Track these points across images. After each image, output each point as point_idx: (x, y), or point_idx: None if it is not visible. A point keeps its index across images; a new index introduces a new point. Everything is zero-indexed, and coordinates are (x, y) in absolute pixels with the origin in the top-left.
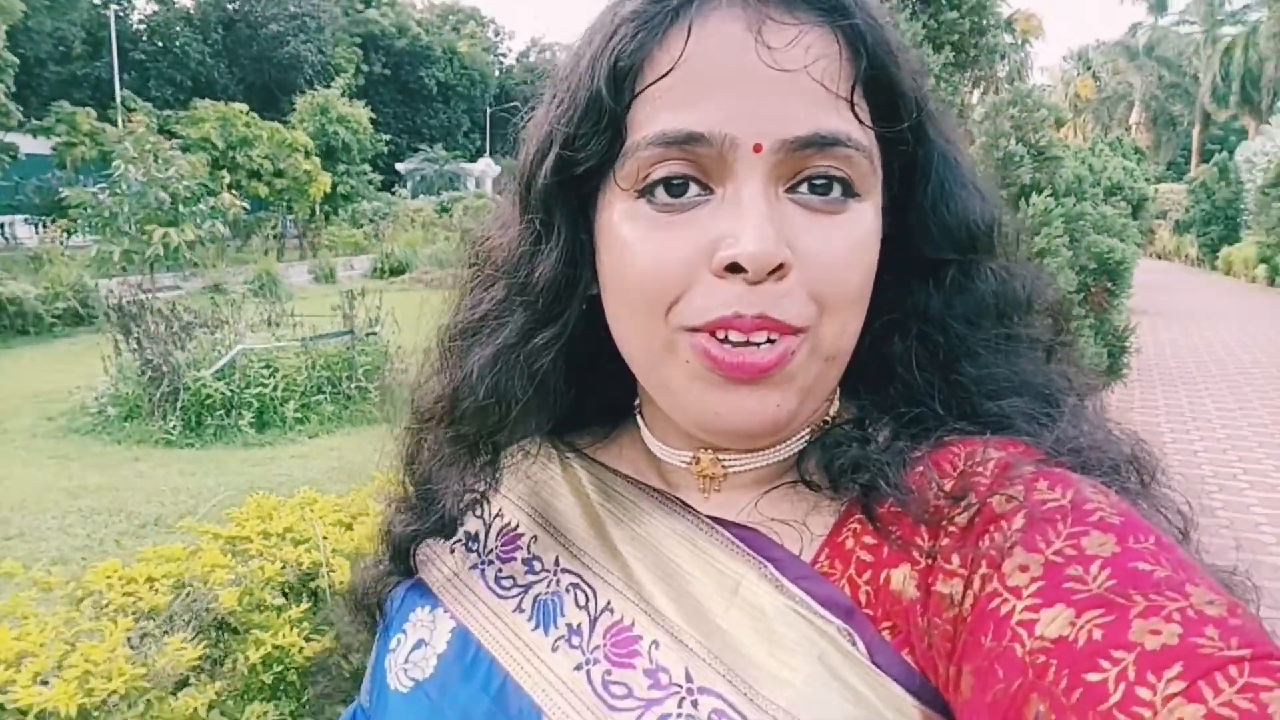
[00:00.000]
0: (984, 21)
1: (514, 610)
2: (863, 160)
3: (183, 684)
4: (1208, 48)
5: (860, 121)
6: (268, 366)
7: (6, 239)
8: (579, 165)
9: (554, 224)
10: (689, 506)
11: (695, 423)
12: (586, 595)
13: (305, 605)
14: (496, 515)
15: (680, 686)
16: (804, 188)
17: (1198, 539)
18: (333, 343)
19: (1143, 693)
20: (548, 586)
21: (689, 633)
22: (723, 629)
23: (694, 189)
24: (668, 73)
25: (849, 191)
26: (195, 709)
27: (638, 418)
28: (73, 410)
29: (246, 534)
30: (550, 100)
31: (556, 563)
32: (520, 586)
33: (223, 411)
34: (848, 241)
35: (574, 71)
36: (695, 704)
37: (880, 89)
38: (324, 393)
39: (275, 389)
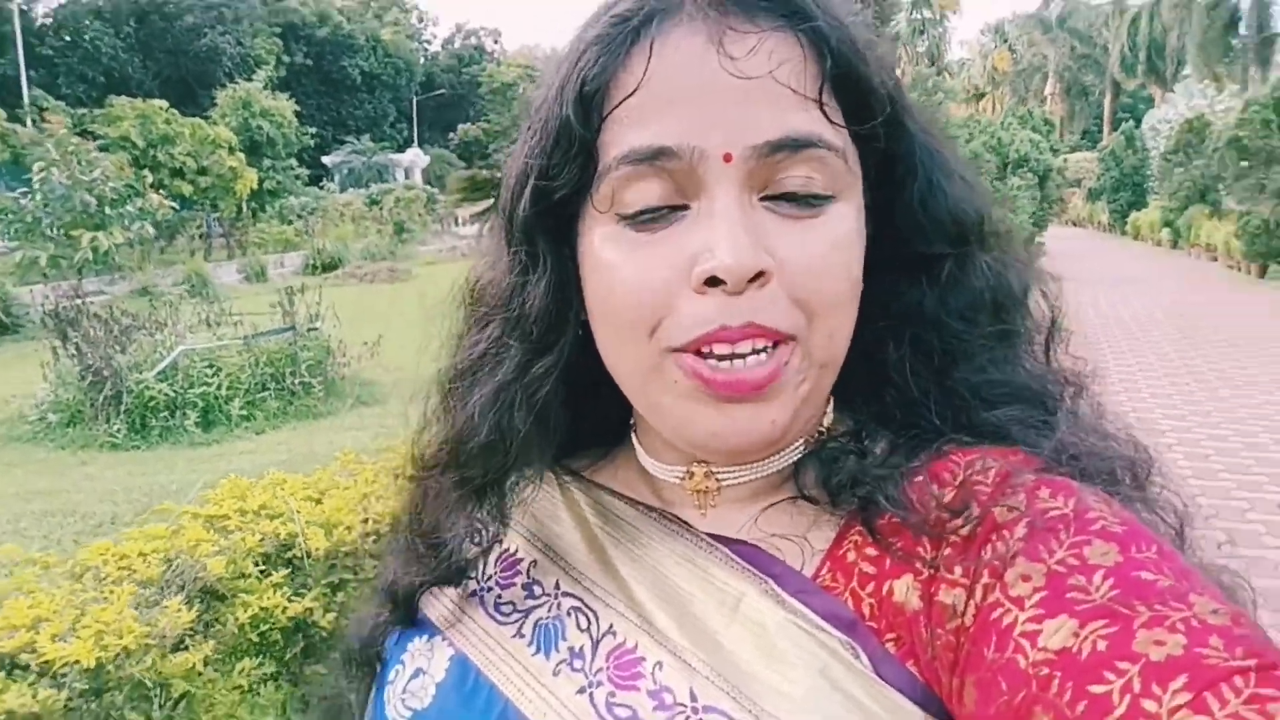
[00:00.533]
0: (885, 13)
1: (514, 635)
2: (837, 160)
3: (179, 645)
4: (1116, 18)
5: (831, 122)
6: (210, 366)
7: None
8: (555, 193)
9: (539, 254)
10: (687, 525)
11: (691, 442)
12: (588, 618)
13: (285, 572)
14: (494, 541)
15: (685, 706)
16: (779, 197)
17: (1191, 535)
18: (274, 340)
19: (1148, 705)
20: (549, 610)
21: (692, 652)
22: (725, 646)
23: (667, 208)
24: (633, 93)
25: (823, 196)
26: (193, 664)
27: (633, 436)
28: (11, 419)
29: (224, 512)
30: (525, 131)
31: (557, 586)
32: (520, 612)
33: (167, 413)
34: (829, 245)
35: (544, 101)
36: None
37: (849, 88)
38: (268, 389)
39: (219, 388)
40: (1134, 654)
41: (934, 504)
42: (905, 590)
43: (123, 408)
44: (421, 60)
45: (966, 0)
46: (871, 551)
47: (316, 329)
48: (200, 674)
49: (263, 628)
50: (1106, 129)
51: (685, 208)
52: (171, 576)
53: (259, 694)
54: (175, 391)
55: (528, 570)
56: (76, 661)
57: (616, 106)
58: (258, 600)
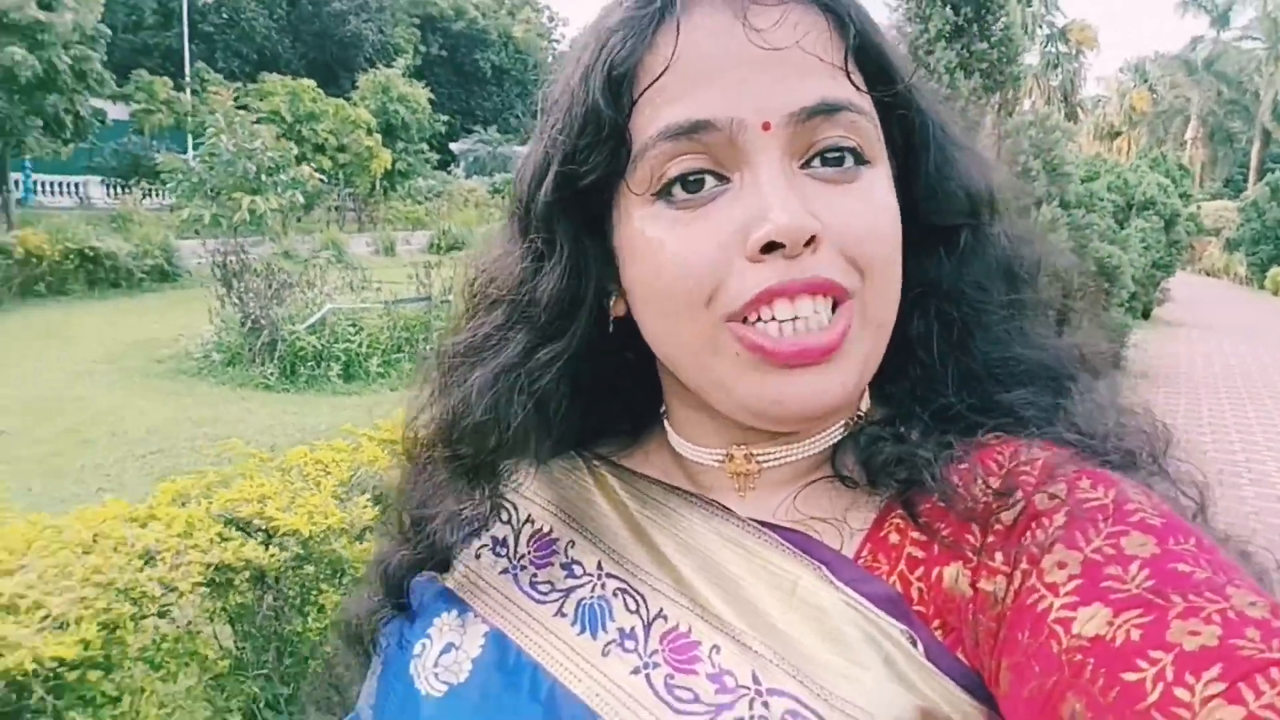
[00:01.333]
0: (1011, 52)
1: (555, 615)
2: (868, 125)
3: (360, 536)
4: (1270, 65)
5: (858, 88)
6: (354, 325)
7: (80, 199)
8: (582, 179)
9: (556, 241)
10: (728, 509)
11: (755, 413)
12: (636, 601)
13: None
14: (526, 521)
15: (748, 689)
16: (817, 162)
17: (1212, 510)
18: (412, 307)
19: (1181, 693)
20: (592, 591)
21: (751, 635)
22: (782, 630)
23: (710, 181)
24: (662, 73)
25: (860, 159)
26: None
27: (664, 423)
28: (178, 355)
29: (395, 437)
30: (544, 123)
31: (599, 567)
32: (560, 591)
33: (314, 362)
34: (870, 206)
35: (566, 90)
36: (766, 705)
37: (870, 57)
38: (403, 351)
39: (361, 345)
40: (1168, 643)
41: (982, 489)
42: (955, 577)
43: (276, 354)
44: (549, 58)
45: (1105, 39)
46: (918, 535)
47: (449, 301)
48: None
49: None
50: (1252, 178)
51: (726, 180)
52: (356, 481)
53: None
54: (322, 344)
55: (565, 549)
56: (296, 530)
57: (647, 88)
58: None
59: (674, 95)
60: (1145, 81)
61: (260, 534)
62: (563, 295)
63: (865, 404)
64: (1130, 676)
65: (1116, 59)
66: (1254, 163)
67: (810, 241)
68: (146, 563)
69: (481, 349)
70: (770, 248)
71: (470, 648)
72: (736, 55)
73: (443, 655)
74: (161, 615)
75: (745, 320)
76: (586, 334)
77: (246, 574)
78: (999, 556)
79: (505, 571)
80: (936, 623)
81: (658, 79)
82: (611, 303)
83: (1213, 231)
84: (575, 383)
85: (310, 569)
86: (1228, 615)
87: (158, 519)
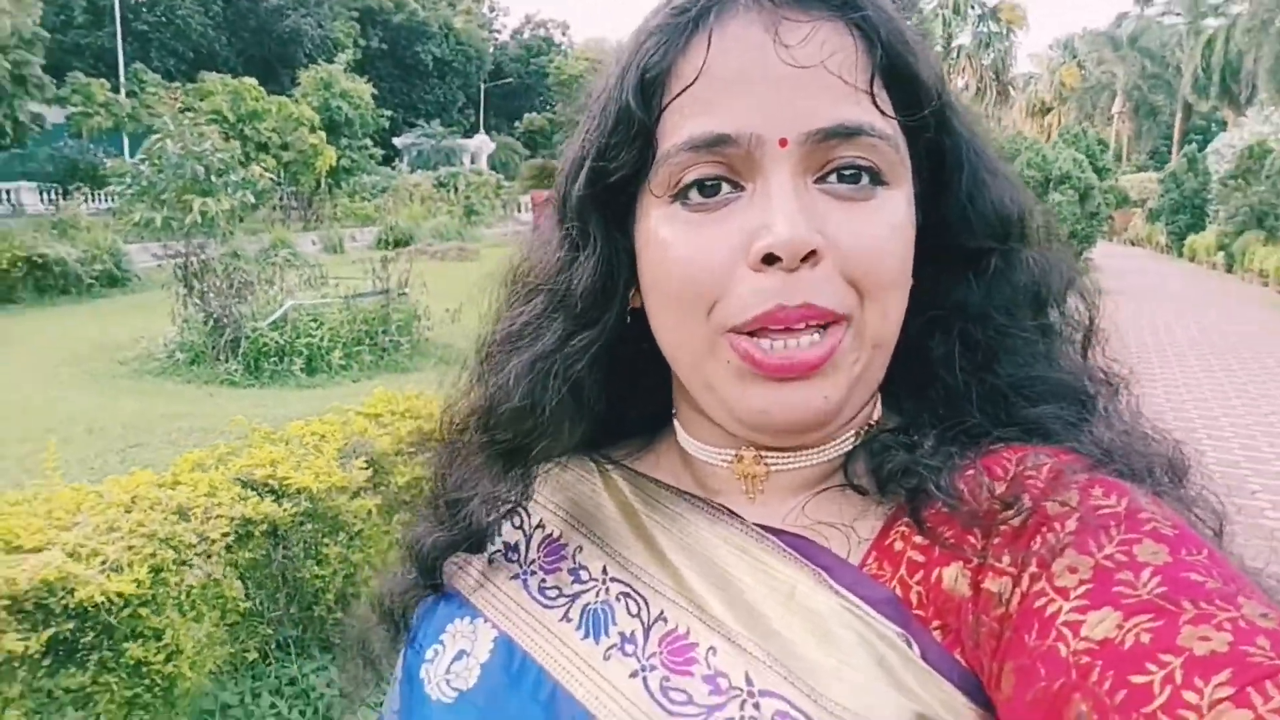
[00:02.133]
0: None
1: (560, 619)
2: (888, 149)
3: (356, 494)
4: (1190, 39)
5: (882, 112)
6: (314, 320)
7: (13, 205)
8: (611, 175)
9: (590, 233)
10: (735, 514)
11: (742, 421)
12: (638, 604)
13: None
14: (537, 526)
15: (740, 690)
16: (833, 178)
17: (1230, 531)
18: (370, 301)
19: (1189, 696)
20: (596, 595)
21: (746, 637)
22: (780, 633)
23: (726, 188)
24: (693, 82)
25: (877, 179)
26: (369, 510)
27: (675, 423)
28: (141, 357)
29: (380, 411)
30: (585, 116)
31: (605, 572)
32: (566, 596)
33: (276, 358)
34: (880, 226)
35: (605, 88)
36: (757, 706)
37: (899, 79)
38: (363, 344)
39: (322, 339)
40: (1178, 648)
41: (986, 495)
42: (954, 577)
43: (240, 351)
44: (491, 49)
45: (1036, 16)
46: (920, 540)
47: (406, 294)
48: (370, 517)
49: (414, 490)
50: (1175, 150)
51: (741, 188)
52: (349, 449)
53: None
54: (285, 340)
55: (573, 555)
56: (305, 488)
57: (677, 96)
58: (410, 470)
59: (700, 106)
60: (1074, 58)
61: (271, 495)
62: (596, 285)
63: (877, 413)
64: (1138, 679)
65: (1048, 36)
66: (1176, 135)
67: (810, 256)
68: (181, 518)
69: (519, 336)
70: (771, 259)
71: (480, 653)
72: (763, 70)
73: (454, 663)
74: (190, 566)
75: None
76: (616, 324)
77: (263, 527)
78: (1005, 558)
79: (516, 577)
80: (936, 624)
81: (688, 87)
82: (631, 294)
83: (1138, 203)
84: (606, 371)
85: (313, 526)
86: (1239, 624)
87: (183, 483)
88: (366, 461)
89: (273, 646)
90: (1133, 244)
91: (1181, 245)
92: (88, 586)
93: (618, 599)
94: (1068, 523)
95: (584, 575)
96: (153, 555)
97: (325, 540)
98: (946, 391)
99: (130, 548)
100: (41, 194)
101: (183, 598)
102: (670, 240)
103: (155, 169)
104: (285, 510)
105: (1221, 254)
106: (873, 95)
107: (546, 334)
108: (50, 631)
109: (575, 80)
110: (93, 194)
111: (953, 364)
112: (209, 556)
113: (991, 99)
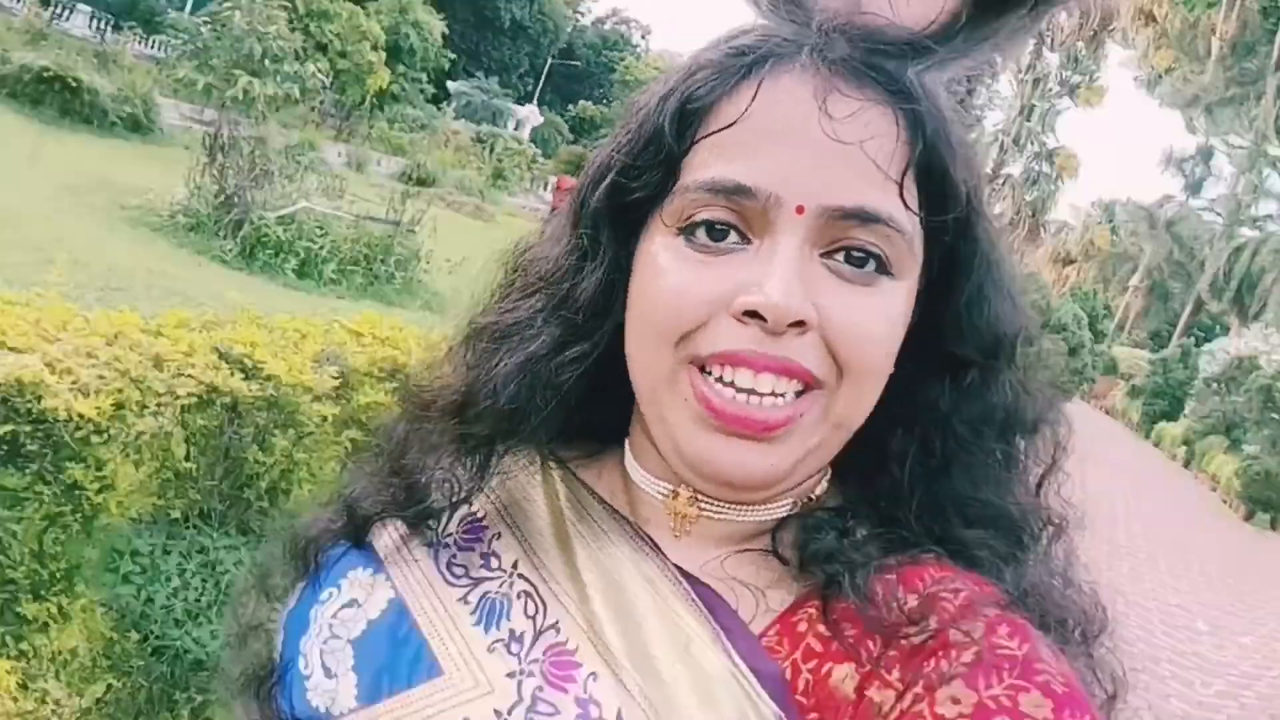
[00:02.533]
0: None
1: (459, 600)
2: (902, 242)
3: (319, 399)
4: (1222, 241)
5: (906, 205)
6: (320, 228)
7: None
8: (631, 194)
9: (600, 244)
10: (658, 548)
11: (687, 462)
12: (537, 607)
13: (393, 385)
14: (464, 501)
15: None
16: (840, 255)
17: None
18: (379, 227)
19: None
20: (499, 586)
21: (630, 674)
22: (664, 680)
23: (734, 236)
24: (730, 125)
25: (884, 269)
26: (326, 417)
27: (626, 444)
28: (144, 209)
29: (363, 331)
30: (620, 128)
31: (515, 566)
32: (471, 579)
33: (273, 251)
34: (875, 314)
35: (645, 107)
36: None
37: (932, 177)
38: (359, 266)
39: (322, 249)
40: None
41: (895, 607)
42: (844, 677)
43: (241, 234)
44: (570, 28)
45: (1088, 172)
46: (823, 630)
47: (414, 232)
48: (324, 424)
49: (371, 413)
50: (1175, 337)
51: (748, 241)
52: (325, 355)
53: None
54: (287, 237)
55: (489, 540)
56: (275, 376)
57: (711, 133)
58: (375, 394)
59: (731, 151)
60: (1110, 221)
61: (241, 373)
62: (598, 299)
63: (821, 488)
64: None
65: (1091, 193)
66: (1181, 324)
67: (798, 325)
68: (155, 366)
69: (510, 334)
70: (753, 315)
71: (371, 609)
72: (800, 134)
73: (344, 609)
74: (149, 412)
75: (704, 370)
76: (609, 339)
77: (225, 399)
78: (896, 672)
79: (430, 545)
80: (813, 716)
81: (725, 128)
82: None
83: (1125, 376)
84: (589, 383)
85: (270, 414)
86: None
87: (165, 336)
88: (338, 372)
89: (195, 513)
90: (1107, 413)
91: (1151, 428)
92: (55, 399)
93: (519, 596)
94: (965, 654)
95: (494, 563)
96: (119, 391)
97: (276, 431)
98: (892, 486)
99: (101, 377)
100: (92, 21)
101: (132, 438)
102: (666, 268)
103: (215, 35)
104: (250, 391)
105: (1184, 448)
106: (901, 187)
107: (541, 337)
108: (9, 428)
109: (640, 84)
110: (145, 38)
111: (905, 462)
112: (167, 409)
113: (1022, 233)
